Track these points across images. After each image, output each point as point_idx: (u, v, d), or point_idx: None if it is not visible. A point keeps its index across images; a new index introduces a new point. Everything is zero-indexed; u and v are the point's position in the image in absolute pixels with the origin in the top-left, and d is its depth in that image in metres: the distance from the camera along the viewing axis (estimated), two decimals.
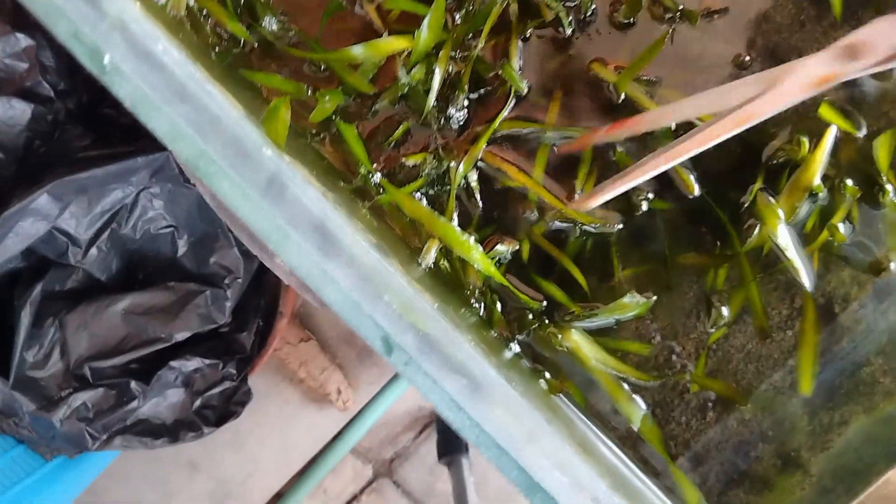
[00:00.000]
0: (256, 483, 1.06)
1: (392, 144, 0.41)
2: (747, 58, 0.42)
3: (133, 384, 0.70)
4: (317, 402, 1.04)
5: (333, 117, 0.40)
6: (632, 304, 0.40)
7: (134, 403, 0.71)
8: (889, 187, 0.42)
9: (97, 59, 0.22)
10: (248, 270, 0.74)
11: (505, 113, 0.40)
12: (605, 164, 0.42)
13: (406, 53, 0.39)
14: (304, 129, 0.41)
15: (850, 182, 0.42)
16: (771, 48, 0.43)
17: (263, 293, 0.80)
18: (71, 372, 0.69)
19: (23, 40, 0.61)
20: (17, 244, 0.63)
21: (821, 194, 0.42)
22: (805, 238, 0.44)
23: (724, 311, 0.44)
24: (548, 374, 0.42)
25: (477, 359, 0.26)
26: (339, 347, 1.03)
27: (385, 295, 0.24)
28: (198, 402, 0.76)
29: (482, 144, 0.40)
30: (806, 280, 0.43)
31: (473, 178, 0.42)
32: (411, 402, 1.10)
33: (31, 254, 0.69)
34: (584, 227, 0.43)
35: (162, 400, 0.74)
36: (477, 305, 0.43)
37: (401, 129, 0.41)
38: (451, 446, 1.04)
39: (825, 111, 0.41)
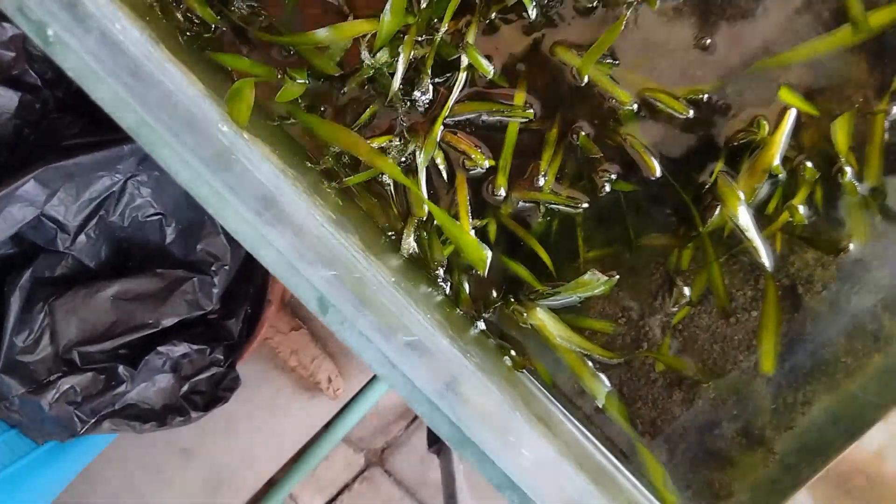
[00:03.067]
0: (249, 470, 1.07)
1: (359, 127, 0.42)
2: (709, 41, 0.43)
3: (121, 369, 0.72)
4: (308, 391, 1.05)
5: (299, 101, 0.41)
6: (593, 281, 0.41)
7: (122, 388, 0.72)
8: (848, 169, 0.43)
9: (41, 33, 0.23)
10: (235, 257, 0.76)
11: (456, 94, 0.41)
12: (570, 148, 0.43)
13: (371, 37, 0.40)
14: (274, 112, 0.42)
15: (809, 164, 0.43)
16: (735, 32, 0.44)
17: (251, 281, 0.81)
18: (60, 356, 0.71)
19: (10, 30, 0.62)
20: (4, 229, 0.64)
21: (781, 175, 0.43)
22: (767, 220, 0.44)
23: (686, 291, 0.45)
24: (513, 352, 0.43)
25: (420, 322, 0.27)
26: (330, 337, 1.04)
27: (329, 264, 0.25)
28: (185, 388, 0.77)
29: (439, 125, 0.41)
30: (766, 260, 0.44)
31: (439, 160, 0.43)
32: None
33: (21, 240, 0.70)
34: (550, 207, 0.44)
35: (150, 385, 0.75)
36: (444, 285, 0.44)
37: (368, 111, 0.42)
38: None
39: (785, 94, 0.42)
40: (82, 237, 0.71)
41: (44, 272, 0.71)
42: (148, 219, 0.73)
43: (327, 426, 1.08)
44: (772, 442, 0.46)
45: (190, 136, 0.24)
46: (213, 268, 0.74)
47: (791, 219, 0.43)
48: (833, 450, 0.44)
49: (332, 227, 0.32)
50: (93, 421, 0.72)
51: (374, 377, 1.07)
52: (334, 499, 1.16)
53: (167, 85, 0.27)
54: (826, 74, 0.44)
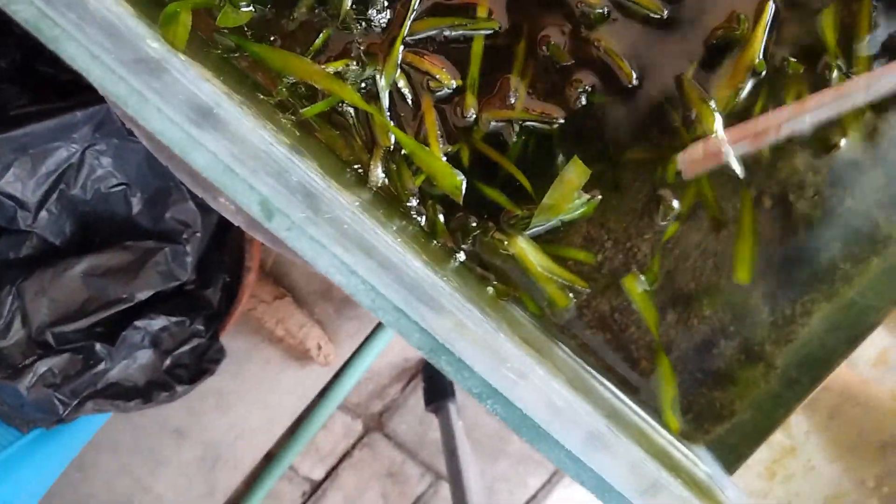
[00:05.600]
0: (246, 445, 1.06)
1: (313, 54, 0.39)
2: None
3: (98, 347, 0.69)
4: (298, 360, 1.03)
5: (246, 30, 0.38)
6: (572, 201, 0.39)
7: (101, 366, 0.69)
8: (839, 63, 0.40)
9: None
10: (206, 225, 0.73)
11: (414, 9, 0.38)
12: (540, 60, 0.40)
13: None
14: (220, 44, 0.39)
15: (793, 59, 0.40)
16: None
17: (227, 247, 0.78)
18: (33, 339, 0.68)
19: None
20: None
21: (763, 73, 0.40)
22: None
23: (675, 204, 0.42)
24: (497, 283, 0.41)
25: (385, 241, 0.24)
26: (316, 303, 1.02)
27: (275, 176, 0.22)
28: (168, 362, 0.75)
29: (399, 45, 0.38)
30: (738, 169, 0.42)
31: (402, 83, 0.40)
32: (396, 354, 1.10)
33: None
34: (524, 125, 0.41)
35: (131, 362, 0.73)
36: (418, 217, 0.41)
37: (321, 37, 0.39)
38: (437, 393, 1.04)
39: None
40: (44, 213, 0.68)
41: (8, 254, 0.68)
42: (111, 190, 0.70)
43: (321, 394, 1.06)
44: (772, 356, 0.45)
45: (108, 41, 0.21)
46: (184, 236, 0.72)
47: None
48: (834, 358, 0.43)
49: (284, 149, 0.29)
50: (75, 403, 0.70)
51: (366, 341, 1.05)
52: (335, 467, 1.15)
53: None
54: None
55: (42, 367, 0.68)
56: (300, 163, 0.29)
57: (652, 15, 0.40)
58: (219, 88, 0.29)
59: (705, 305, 0.45)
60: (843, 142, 0.42)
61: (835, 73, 0.41)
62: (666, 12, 0.40)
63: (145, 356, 0.73)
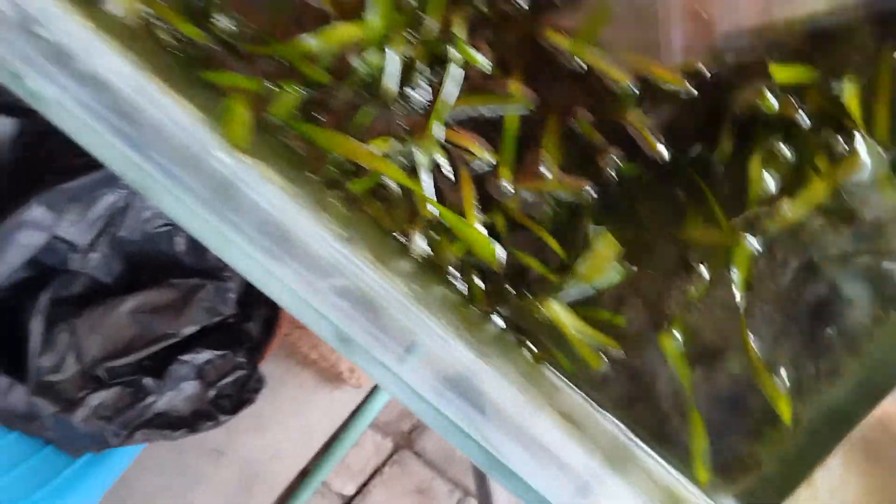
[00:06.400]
0: (281, 464, 1.09)
1: (357, 130, 0.42)
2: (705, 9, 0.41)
3: (147, 381, 0.73)
4: (331, 382, 1.06)
5: (294, 110, 0.41)
6: (604, 271, 0.41)
7: (150, 399, 0.73)
8: (860, 137, 0.42)
9: (18, 83, 0.23)
10: None
11: (451, 89, 0.40)
12: (571, 134, 0.43)
13: (360, 40, 0.39)
14: (269, 123, 0.42)
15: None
16: None
17: None
18: (86, 373, 0.72)
19: None
20: (18, 256, 0.65)
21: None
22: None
23: (703, 269, 0.44)
24: (532, 346, 0.43)
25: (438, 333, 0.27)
26: None
27: (341, 294, 0.25)
28: (212, 393, 0.78)
29: (434, 122, 0.40)
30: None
31: (440, 157, 0.42)
32: None
33: (36, 264, 0.71)
34: (557, 197, 0.43)
35: (177, 393, 0.76)
36: (458, 283, 0.43)
37: (364, 114, 0.42)
38: None
39: (777, 72, 0.40)
40: (95, 255, 0.72)
41: (61, 293, 0.72)
42: (157, 230, 0.74)
43: (353, 414, 1.10)
44: (797, 411, 0.46)
45: (187, 173, 0.24)
46: (226, 273, 0.75)
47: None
48: (860, 413, 0.44)
49: (340, 245, 0.31)
50: (125, 433, 0.73)
51: None
52: (366, 483, 1.18)
53: (158, 117, 0.27)
54: (825, 29, 0.43)
55: (94, 400, 0.72)
56: (354, 257, 0.31)
57: (677, 90, 0.42)
58: (278, 185, 0.32)
59: (732, 362, 0.47)
60: (866, 213, 0.43)
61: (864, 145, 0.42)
62: (690, 87, 0.42)
63: (191, 387, 0.77)
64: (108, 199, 0.70)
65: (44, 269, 0.71)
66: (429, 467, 1.18)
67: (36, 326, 0.70)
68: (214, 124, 0.34)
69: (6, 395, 0.70)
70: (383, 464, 1.17)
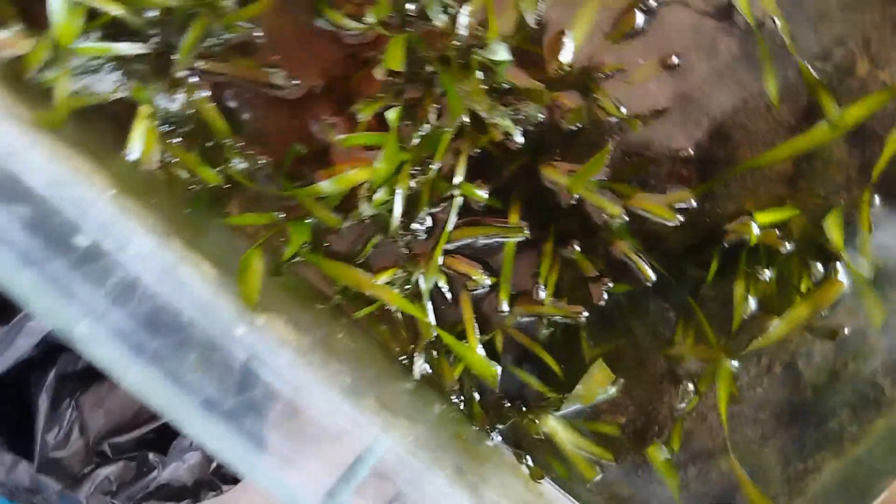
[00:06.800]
0: None
1: (361, 260, 0.44)
2: (689, 152, 0.44)
3: (151, 455, 0.74)
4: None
5: (307, 244, 0.43)
6: (598, 392, 0.43)
7: (154, 473, 0.74)
8: (841, 264, 0.44)
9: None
10: None
11: (453, 222, 0.43)
12: (566, 260, 0.45)
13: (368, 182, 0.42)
14: (279, 252, 0.44)
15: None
16: (717, 136, 0.45)
17: None
18: (91, 449, 0.73)
19: None
20: (28, 342, 0.67)
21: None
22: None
23: (690, 386, 0.46)
24: (530, 461, 0.45)
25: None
26: None
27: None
28: (215, 463, 0.79)
29: (438, 254, 0.42)
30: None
31: (442, 282, 0.44)
32: None
33: (42, 343, 0.72)
34: (552, 319, 0.45)
35: (181, 464, 0.77)
36: (457, 400, 0.45)
37: (368, 245, 0.44)
38: None
39: (760, 217, 0.43)
40: None
41: (67, 369, 0.73)
42: None
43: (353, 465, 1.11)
44: None
45: (208, 382, 0.26)
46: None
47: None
48: None
49: (348, 399, 0.33)
50: None
51: None
52: None
53: (182, 315, 0.28)
54: (807, 162, 0.45)
55: (99, 475, 0.73)
56: (361, 411, 0.33)
57: (666, 222, 0.44)
58: (293, 347, 0.34)
59: (722, 461, 0.49)
60: (846, 329, 0.45)
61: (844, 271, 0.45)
62: (679, 217, 0.44)
63: (194, 458, 0.78)
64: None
65: (52, 347, 0.73)
66: None
67: (43, 403, 0.72)
68: (232, 283, 0.35)
69: (11, 471, 0.72)
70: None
